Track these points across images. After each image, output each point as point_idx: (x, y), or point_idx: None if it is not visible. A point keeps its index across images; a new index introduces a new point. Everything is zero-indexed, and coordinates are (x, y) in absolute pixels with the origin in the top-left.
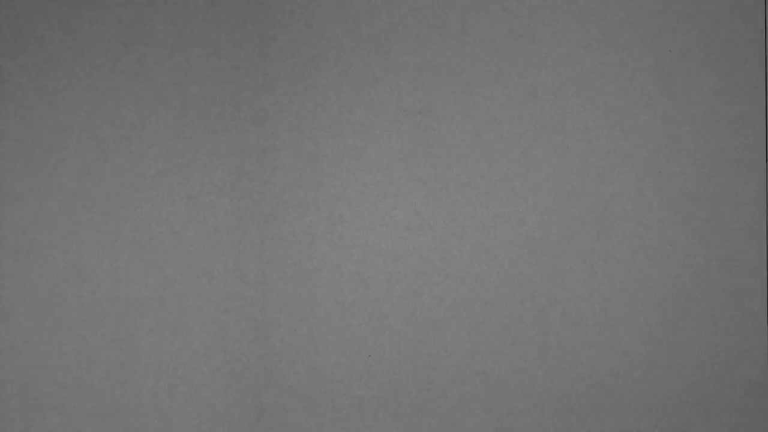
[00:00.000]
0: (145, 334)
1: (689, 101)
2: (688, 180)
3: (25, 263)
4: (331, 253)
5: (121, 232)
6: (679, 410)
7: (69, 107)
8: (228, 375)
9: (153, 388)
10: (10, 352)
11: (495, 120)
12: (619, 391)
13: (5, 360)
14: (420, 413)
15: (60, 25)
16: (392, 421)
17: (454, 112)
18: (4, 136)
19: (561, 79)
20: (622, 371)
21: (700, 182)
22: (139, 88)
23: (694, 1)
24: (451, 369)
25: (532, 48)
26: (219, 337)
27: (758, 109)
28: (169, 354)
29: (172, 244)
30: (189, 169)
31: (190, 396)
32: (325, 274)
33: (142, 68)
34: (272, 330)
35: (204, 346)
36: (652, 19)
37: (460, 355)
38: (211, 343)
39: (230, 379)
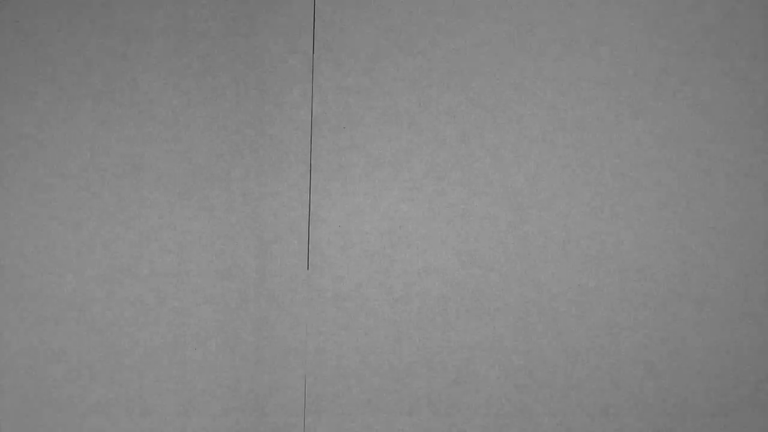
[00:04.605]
0: (145, 334)
1: (695, 98)
2: (689, 178)
3: (23, 264)
4: (332, 252)
5: (120, 232)
6: (676, 410)
7: (69, 106)
8: (228, 375)
9: (152, 388)
10: (9, 351)
11: (495, 120)
12: (620, 390)
13: (4, 360)
14: (420, 413)
15: (59, 21)
16: (393, 422)
17: (453, 112)
18: (4, 131)
19: (559, 78)
20: (623, 372)
21: (702, 181)
22: (140, 87)
23: (697, 1)
24: (452, 369)
25: (531, 47)
26: (219, 337)
27: (763, 106)
28: (169, 354)
29: (172, 243)
30: (189, 169)
31: (189, 396)
32: (326, 274)
33: (143, 68)
34: (272, 330)
35: (204, 346)
36: (653, 19)
37: (462, 355)
38: (210, 343)
39: (230, 379)
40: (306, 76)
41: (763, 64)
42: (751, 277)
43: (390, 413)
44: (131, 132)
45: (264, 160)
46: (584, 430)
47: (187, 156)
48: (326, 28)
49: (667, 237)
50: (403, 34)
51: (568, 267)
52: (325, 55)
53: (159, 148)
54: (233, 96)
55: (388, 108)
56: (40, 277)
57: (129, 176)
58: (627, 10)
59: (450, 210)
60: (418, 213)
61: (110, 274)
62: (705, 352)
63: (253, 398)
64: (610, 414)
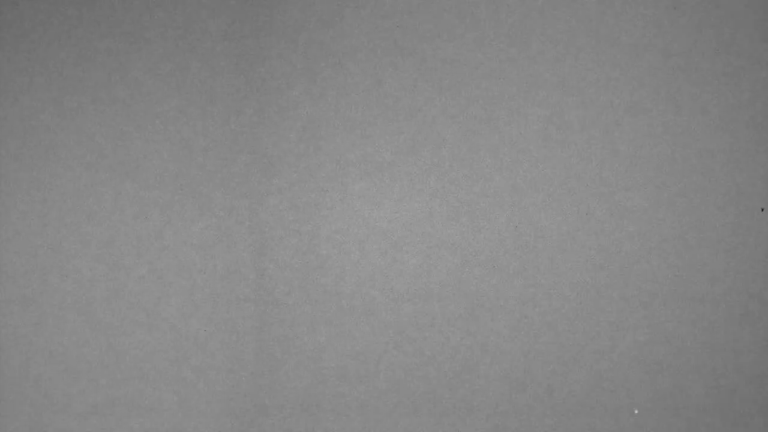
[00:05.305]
0: (145, 335)
1: (693, 99)
2: (690, 178)
3: (21, 265)
4: (332, 253)
5: (120, 233)
6: (677, 410)
7: (68, 106)
8: (228, 376)
9: (152, 389)
10: (9, 351)
11: (494, 122)
12: (621, 391)
13: (4, 360)
14: (421, 413)
15: (59, 18)
16: (393, 422)
17: (453, 112)
18: (3, 133)
19: (557, 78)
20: (623, 371)
21: (703, 180)
22: (140, 87)
23: (697, 2)
24: (452, 369)
25: (528, 47)
26: (219, 338)
27: (763, 106)
28: (169, 354)
29: (172, 243)
30: (189, 169)
31: (189, 396)
32: (326, 274)
33: (143, 67)
34: (272, 330)
35: (204, 347)
36: (654, 19)
37: (462, 355)
38: (210, 344)
39: (230, 380)
40: (306, 75)
41: (764, 64)
42: (752, 276)
43: (390, 414)
44: (131, 131)
45: (264, 160)
46: (584, 430)
47: (187, 156)
48: (326, 27)
49: (667, 236)
50: (404, 33)
51: (568, 266)
52: (326, 54)
53: (159, 148)
54: (233, 95)
55: (388, 108)
56: (39, 278)
57: (128, 176)
58: (629, 8)
59: (450, 210)
60: (419, 213)
61: (110, 274)
62: (706, 351)
63: (254, 398)
64: (609, 414)
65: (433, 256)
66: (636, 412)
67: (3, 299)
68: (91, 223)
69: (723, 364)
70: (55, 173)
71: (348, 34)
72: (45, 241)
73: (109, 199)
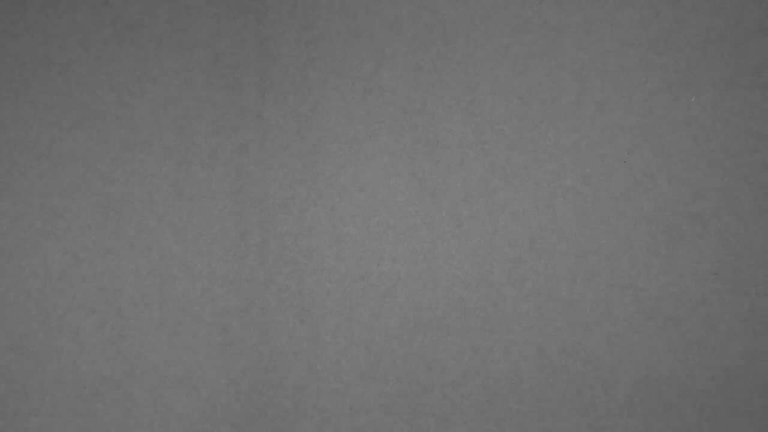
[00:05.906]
0: (145, 335)
1: (693, 100)
2: (699, 192)
3: (23, 263)
4: (332, 253)
5: (121, 233)
6: (672, 414)
7: (69, 108)
8: (228, 376)
9: (153, 389)
10: (8, 352)
11: (495, 121)
12: (622, 393)
13: (3, 361)
14: (420, 414)
15: (60, 23)
16: (393, 422)
17: (454, 113)
18: (2, 134)
19: (560, 80)
20: (625, 373)
21: (707, 185)
22: (140, 88)
23: (696, 5)
24: (451, 369)
25: (534, 49)
26: (220, 338)
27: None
28: (169, 354)
29: (173, 244)
30: (190, 170)
31: (190, 397)
32: (326, 275)
33: (143, 69)
34: (273, 330)
35: (204, 347)
36: (658, 21)
37: (461, 355)
38: (211, 344)
39: (231, 380)
40: (307, 75)
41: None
42: (754, 282)
43: (390, 415)
44: (128, 133)
45: (265, 161)
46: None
47: (187, 155)
48: (326, 28)
49: (676, 249)
50: (402, 34)
51: (565, 270)
52: (326, 55)
53: (159, 148)
54: (233, 95)
55: (388, 108)
56: (40, 278)
57: (128, 176)
58: (646, 12)
59: (453, 212)
60: (421, 217)
61: (111, 274)
62: (714, 358)
63: (253, 398)
64: (612, 426)
65: (433, 258)
66: None
67: (3, 302)
68: (91, 222)
69: (731, 369)
70: (57, 176)
71: (351, 34)
72: (46, 242)
73: (114, 202)
